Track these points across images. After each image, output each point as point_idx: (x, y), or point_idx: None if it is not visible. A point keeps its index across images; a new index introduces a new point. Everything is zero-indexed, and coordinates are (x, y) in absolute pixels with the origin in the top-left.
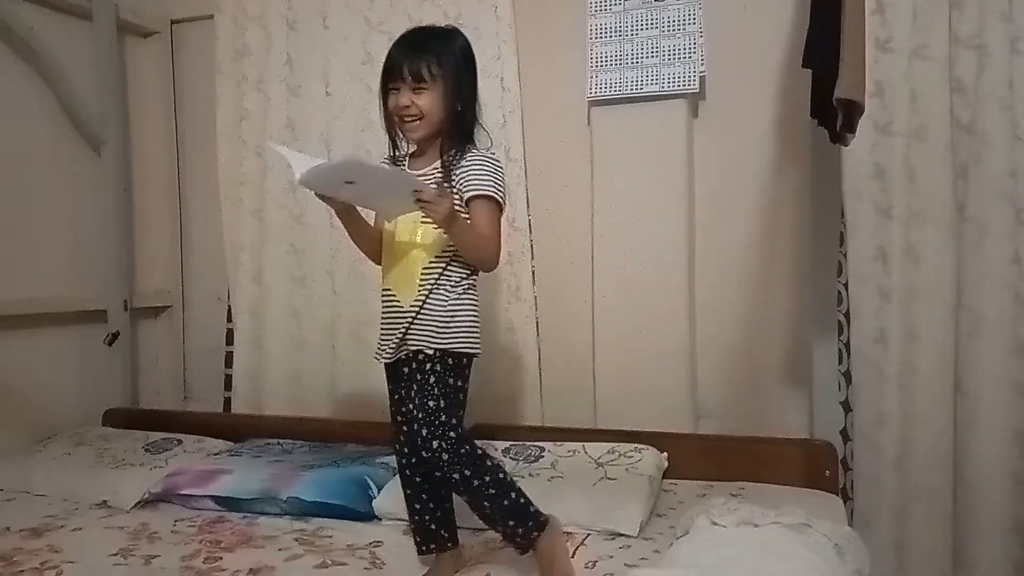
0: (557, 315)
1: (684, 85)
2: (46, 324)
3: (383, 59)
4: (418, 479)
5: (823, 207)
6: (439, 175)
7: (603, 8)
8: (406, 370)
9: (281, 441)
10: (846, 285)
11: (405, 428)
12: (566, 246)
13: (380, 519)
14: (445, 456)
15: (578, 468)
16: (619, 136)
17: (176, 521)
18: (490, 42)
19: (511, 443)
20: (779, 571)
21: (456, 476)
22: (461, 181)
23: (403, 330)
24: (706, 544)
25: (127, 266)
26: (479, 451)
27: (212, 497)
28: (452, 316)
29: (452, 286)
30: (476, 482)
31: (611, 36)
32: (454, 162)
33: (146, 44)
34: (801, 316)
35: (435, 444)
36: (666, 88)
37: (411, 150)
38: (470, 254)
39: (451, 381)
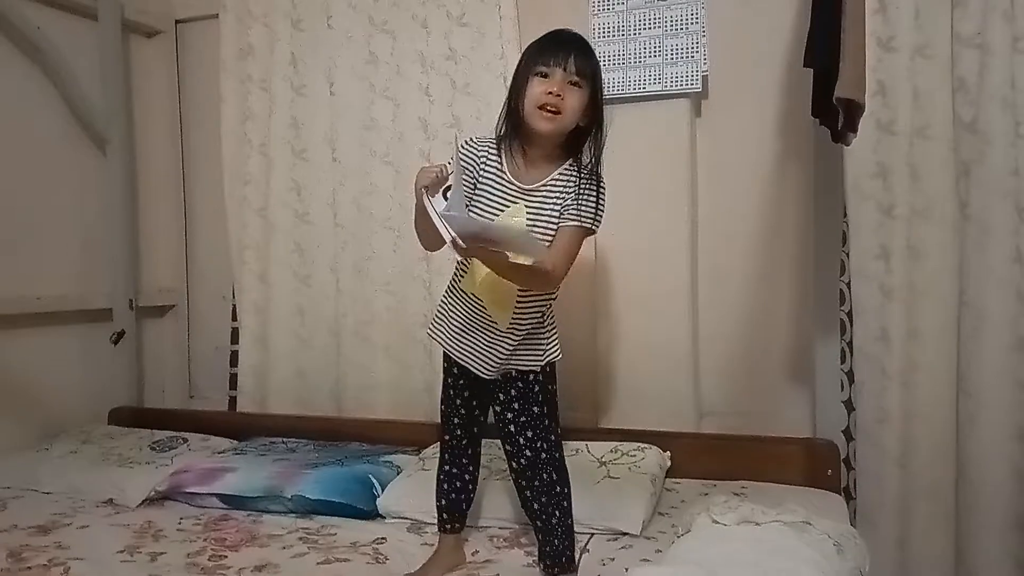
0: (560, 314)
1: (687, 84)
2: (52, 323)
3: (387, 58)
4: (465, 460)
5: (825, 206)
6: (552, 192)
7: (606, 7)
8: (500, 380)
9: (286, 439)
10: (848, 284)
11: (464, 412)
12: None
13: (384, 517)
14: (544, 456)
15: (581, 467)
16: (622, 135)
17: (181, 519)
18: (493, 41)
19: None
20: (779, 568)
21: (547, 476)
22: (570, 202)
23: (506, 351)
24: (707, 542)
25: (132, 265)
26: (566, 460)
27: (217, 495)
28: (551, 333)
29: (544, 305)
30: (558, 488)
31: (614, 35)
32: (570, 178)
33: (151, 43)
34: (803, 315)
35: (539, 444)
36: (669, 87)
37: (506, 146)
38: (520, 283)
39: (550, 387)
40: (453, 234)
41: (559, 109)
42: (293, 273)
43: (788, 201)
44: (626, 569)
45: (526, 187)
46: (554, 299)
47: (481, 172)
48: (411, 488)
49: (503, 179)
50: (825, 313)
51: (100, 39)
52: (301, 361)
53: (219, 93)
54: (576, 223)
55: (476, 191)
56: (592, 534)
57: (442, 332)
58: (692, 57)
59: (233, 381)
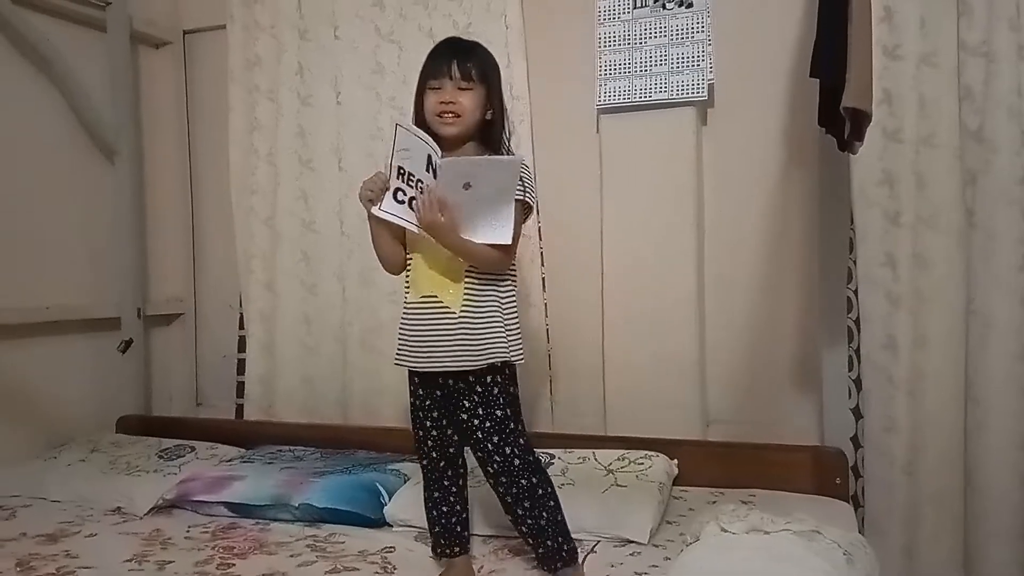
0: (567, 322)
1: (693, 93)
2: (60, 332)
3: (394, 68)
4: (446, 482)
5: (832, 214)
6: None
7: (612, 16)
8: (454, 382)
9: (293, 448)
10: (855, 291)
11: (435, 432)
12: (575, 253)
13: (391, 525)
14: (516, 462)
15: (588, 475)
16: (628, 144)
17: (189, 527)
18: (499, 51)
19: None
20: None
21: (524, 482)
22: None
23: (467, 337)
24: (716, 551)
25: (140, 274)
26: (541, 461)
27: (225, 503)
28: (513, 328)
29: (502, 293)
30: (540, 491)
31: (620, 44)
32: None
33: (159, 54)
34: (811, 323)
35: (507, 450)
36: (675, 96)
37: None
38: (471, 261)
39: (512, 389)
40: (416, 227)
41: (458, 112)
42: (300, 282)
43: (794, 209)
44: (636, 572)
45: None
46: (508, 291)
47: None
48: (418, 496)
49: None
50: (832, 321)
51: (108, 50)
52: (308, 369)
53: (227, 103)
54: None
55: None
56: (599, 541)
57: (403, 353)
58: (698, 66)
59: (240, 389)
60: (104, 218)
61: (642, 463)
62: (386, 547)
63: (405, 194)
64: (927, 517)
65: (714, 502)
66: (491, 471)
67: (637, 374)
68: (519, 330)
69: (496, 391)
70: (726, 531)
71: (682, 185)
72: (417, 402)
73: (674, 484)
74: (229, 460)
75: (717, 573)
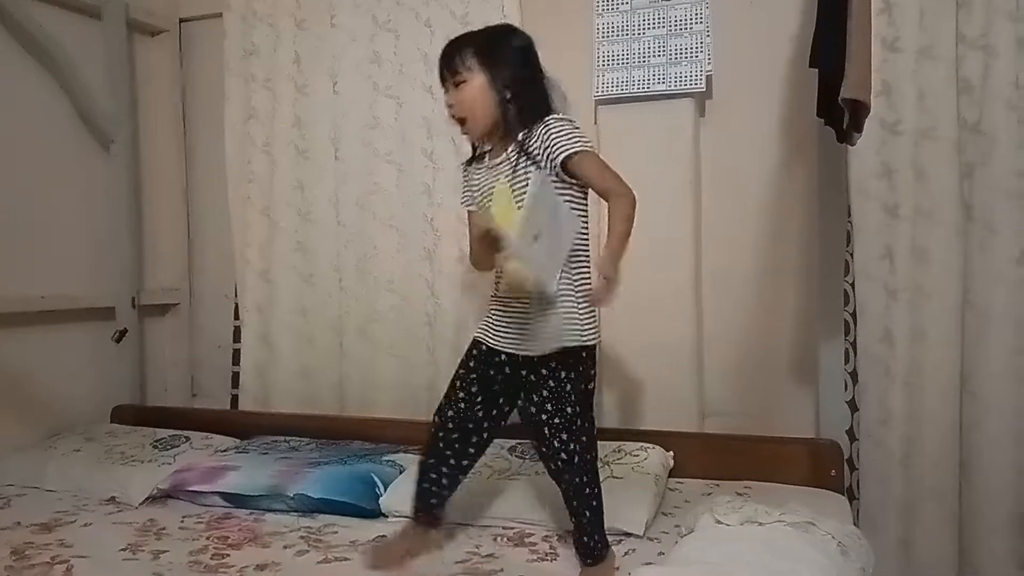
0: None
1: (691, 84)
2: (55, 321)
3: (390, 57)
4: (448, 452)
5: (830, 206)
6: (514, 162)
7: (610, 7)
8: (526, 372)
9: (288, 438)
10: (853, 284)
11: (463, 406)
12: None
13: (387, 516)
14: (577, 459)
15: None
16: (626, 135)
17: (184, 517)
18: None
19: (517, 441)
20: (783, 569)
21: (578, 479)
22: (545, 151)
23: (555, 321)
24: (710, 542)
25: (136, 263)
26: (597, 461)
27: (220, 494)
28: (581, 307)
29: (573, 276)
30: (588, 490)
31: (618, 35)
32: (527, 141)
33: (155, 42)
34: (808, 315)
35: (572, 446)
36: (673, 87)
37: (486, 147)
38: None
39: (584, 387)
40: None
41: (461, 116)
42: (296, 272)
43: (792, 201)
44: (629, 574)
45: (492, 164)
46: (580, 270)
47: (473, 179)
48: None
49: (483, 167)
50: (829, 313)
51: (105, 38)
52: (303, 360)
53: (223, 92)
54: (569, 152)
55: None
56: None
57: (481, 327)
58: (696, 57)
59: (235, 380)
60: (100, 207)
61: (638, 455)
62: (380, 536)
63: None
64: (923, 510)
65: (709, 494)
66: (554, 467)
67: (633, 366)
68: (594, 311)
69: (569, 387)
70: (721, 523)
71: (680, 176)
72: (462, 369)
73: (670, 476)
74: (224, 450)
75: (712, 564)
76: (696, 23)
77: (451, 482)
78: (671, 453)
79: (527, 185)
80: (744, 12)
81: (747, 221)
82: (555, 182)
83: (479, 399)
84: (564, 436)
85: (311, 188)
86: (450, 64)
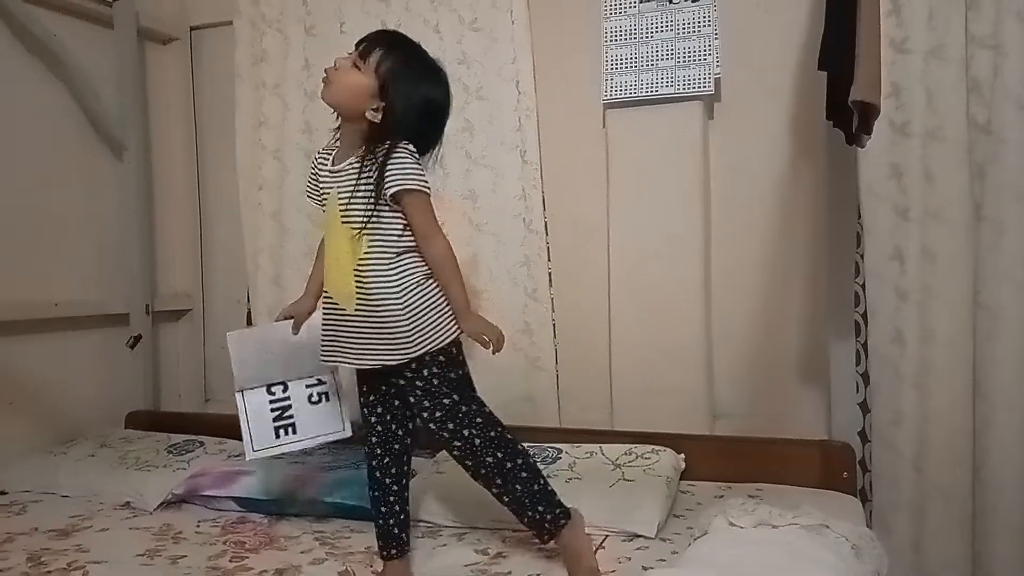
0: (574, 317)
1: (699, 87)
2: (70, 328)
3: None
4: (388, 480)
5: (839, 208)
6: (355, 177)
7: (618, 10)
8: (395, 377)
9: None
10: (863, 285)
11: (379, 428)
12: (582, 248)
13: None
14: (477, 441)
15: (595, 469)
16: (634, 138)
17: (199, 522)
18: (505, 45)
19: (528, 444)
20: (797, 571)
21: (490, 459)
22: (385, 176)
23: (367, 337)
24: (723, 544)
25: (148, 270)
26: (508, 434)
27: (234, 498)
28: (424, 321)
29: (417, 282)
30: (509, 464)
31: (626, 38)
32: (368, 159)
33: (166, 50)
34: (818, 317)
35: (465, 433)
36: (681, 90)
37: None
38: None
39: (454, 374)
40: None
41: (329, 79)
42: (306, 277)
43: (801, 203)
44: (644, 567)
45: (334, 169)
46: (402, 284)
47: (319, 174)
48: (426, 491)
49: (325, 167)
50: (840, 315)
51: (116, 46)
52: None
53: (233, 99)
54: (404, 187)
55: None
56: (607, 535)
57: (327, 348)
58: (704, 60)
59: None
60: (112, 214)
61: (649, 457)
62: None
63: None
64: (935, 511)
65: (721, 496)
66: (455, 456)
67: (644, 368)
68: (439, 308)
69: (436, 382)
70: (734, 525)
71: (689, 179)
72: (362, 398)
73: (681, 478)
74: (238, 455)
75: (725, 567)
76: (704, 26)
77: (403, 505)
78: (682, 455)
79: (362, 204)
80: (752, 14)
81: (756, 223)
82: (382, 204)
83: (388, 416)
84: (451, 426)
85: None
86: (363, 47)
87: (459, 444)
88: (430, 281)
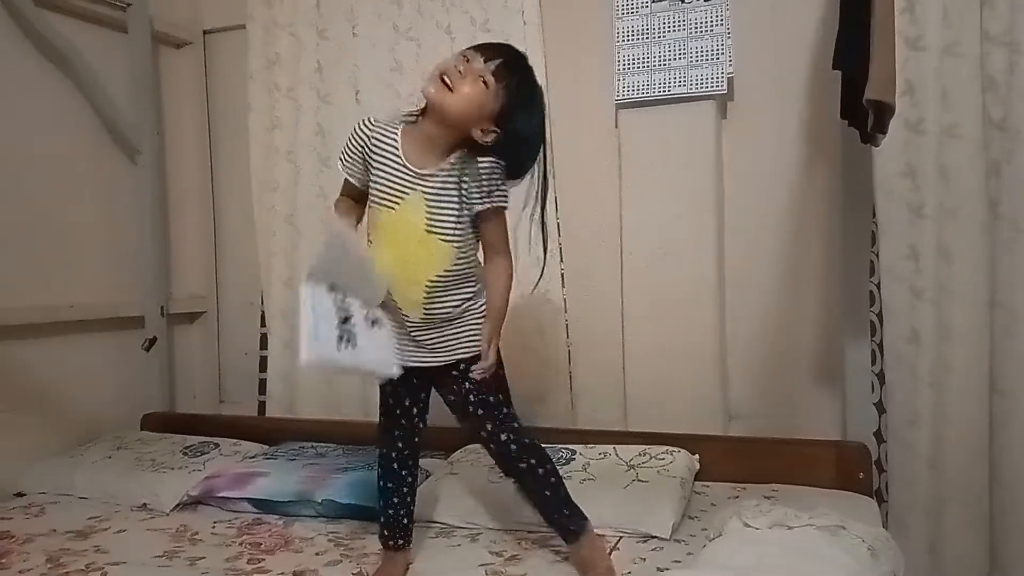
0: (587, 317)
1: (712, 86)
2: (85, 330)
3: (412, 65)
4: (404, 472)
5: (854, 206)
6: (442, 183)
7: (630, 11)
8: (437, 376)
9: (315, 444)
10: (878, 284)
11: (404, 422)
12: (595, 248)
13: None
14: (513, 447)
15: (609, 470)
16: (647, 138)
17: (215, 523)
18: (517, 46)
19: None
20: (813, 572)
21: (523, 464)
22: (477, 188)
23: (420, 339)
24: (739, 545)
25: (163, 272)
26: (537, 440)
27: (249, 499)
28: (476, 318)
29: (471, 286)
30: (540, 470)
31: (638, 38)
32: (466, 164)
33: (180, 54)
34: (833, 316)
35: (503, 437)
36: (694, 90)
37: (406, 123)
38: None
39: (501, 372)
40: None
41: (452, 85)
42: None
43: (816, 202)
44: (658, 569)
45: (420, 172)
46: (474, 285)
47: (372, 156)
48: (439, 492)
49: (398, 162)
50: (855, 314)
51: (130, 51)
52: None
53: (247, 102)
54: (491, 205)
55: (371, 174)
56: (621, 536)
57: None
58: (717, 59)
59: (262, 386)
60: (127, 217)
61: (663, 458)
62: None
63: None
64: (951, 511)
65: (736, 497)
66: (492, 455)
67: (658, 369)
68: (483, 317)
69: (487, 378)
70: (749, 526)
71: (702, 179)
72: (391, 388)
73: (696, 479)
74: (252, 456)
75: (741, 568)
76: (717, 25)
77: (413, 497)
78: (697, 456)
79: (453, 215)
80: (765, 13)
81: (770, 223)
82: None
83: (415, 410)
84: (490, 426)
85: (334, 196)
86: (501, 66)
87: (494, 447)
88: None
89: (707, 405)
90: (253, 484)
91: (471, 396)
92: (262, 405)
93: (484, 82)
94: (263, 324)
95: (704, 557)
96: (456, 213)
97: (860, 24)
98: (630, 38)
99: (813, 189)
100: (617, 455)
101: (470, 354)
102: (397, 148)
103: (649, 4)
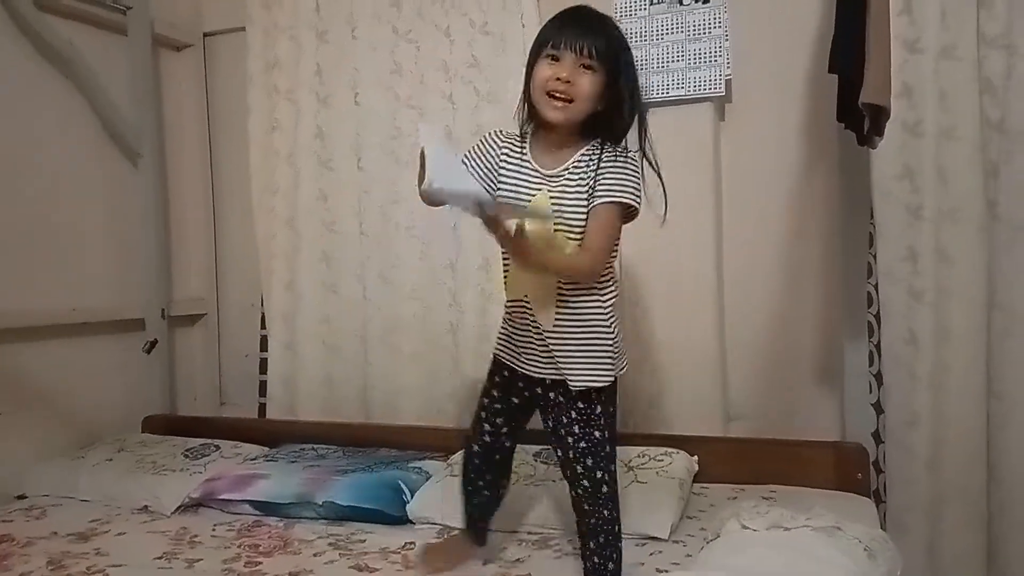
0: None
1: (710, 88)
2: (87, 333)
3: (411, 67)
4: (480, 483)
5: (852, 208)
6: (574, 175)
7: (629, 13)
8: (554, 395)
9: (315, 446)
10: (876, 286)
11: (489, 439)
12: None
13: (413, 523)
14: (604, 489)
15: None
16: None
17: (215, 525)
18: (516, 49)
19: (542, 447)
20: (810, 574)
21: (606, 512)
22: (597, 180)
23: (555, 350)
24: (737, 547)
25: (164, 275)
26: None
27: (250, 501)
28: (611, 347)
29: (604, 301)
30: (617, 527)
31: (637, 40)
32: (595, 162)
33: (180, 57)
34: (831, 317)
35: (599, 475)
36: (692, 91)
37: (530, 133)
38: (559, 276)
39: (613, 409)
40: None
41: (570, 96)
42: (320, 281)
43: (814, 203)
44: (657, 570)
45: (547, 173)
46: (610, 301)
47: (500, 165)
48: (440, 494)
49: (526, 167)
50: (853, 315)
51: (130, 53)
52: (329, 368)
53: (247, 105)
54: (606, 199)
55: (499, 182)
56: None
57: (503, 349)
58: (716, 61)
59: (263, 388)
60: (128, 220)
61: (662, 460)
62: (408, 543)
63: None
64: (950, 512)
65: (735, 498)
66: (577, 494)
67: (657, 370)
68: (621, 339)
69: (599, 411)
70: (747, 528)
71: (701, 181)
72: (487, 400)
73: (695, 481)
74: (253, 459)
75: (738, 570)
76: (715, 27)
77: (492, 502)
78: (696, 457)
79: (570, 208)
80: (762, 16)
81: (769, 224)
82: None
83: (504, 430)
84: (589, 462)
85: (334, 198)
86: (599, 45)
87: (588, 484)
88: (615, 302)
89: (706, 406)
90: (254, 486)
91: (576, 427)
92: (263, 407)
93: (590, 69)
94: (263, 326)
95: (702, 558)
96: (584, 210)
97: (856, 28)
98: (629, 40)
99: (811, 190)
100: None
101: (616, 374)
102: (526, 153)
103: (647, 7)
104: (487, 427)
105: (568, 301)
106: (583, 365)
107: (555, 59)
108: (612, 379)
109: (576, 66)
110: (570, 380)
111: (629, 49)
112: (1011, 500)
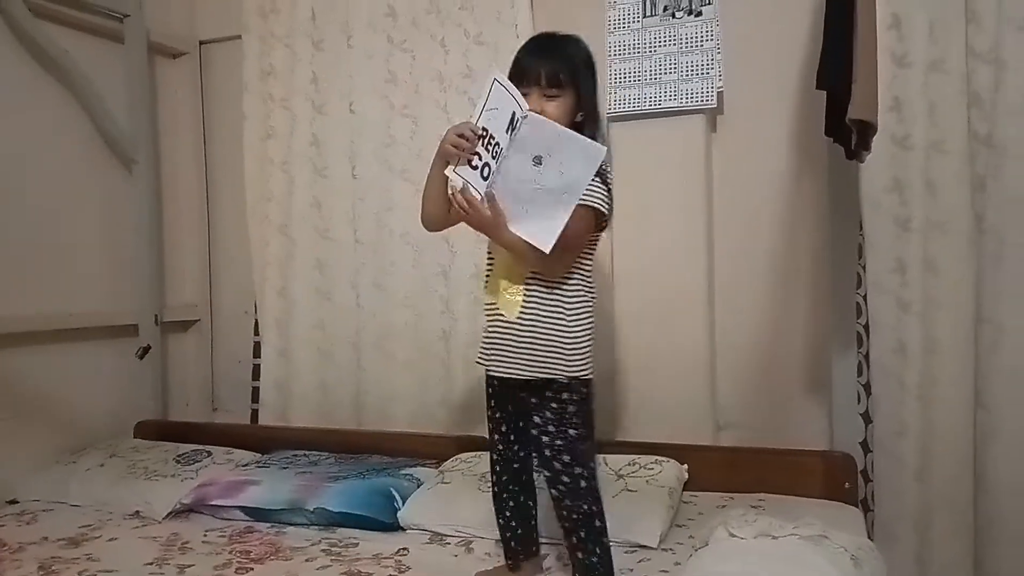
0: None
1: (702, 100)
2: (80, 338)
3: (406, 77)
4: (505, 495)
5: (841, 220)
6: None
7: (622, 25)
8: (527, 395)
9: (308, 452)
10: (865, 297)
11: (501, 448)
12: None
13: (405, 529)
14: (583, 484)
15: (599, 480)
16: (638, 151)
17: (207, 531)
18: (510, 59)
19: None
20: None
21: (586, 507)
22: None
23: (516, 345)
24: (724, 555)
25: (158, 281)
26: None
27: (241, 508)
28: (579, 343)
29: (567, 301)
30: (597, 522)
31: (630, 53)
32: None
33: (176, 64)
34: (820, 328)
35: (577, 471)
36: (684, 103)
37: None
38: (518, 257)
39: (589, 408)
40: (481, 193)
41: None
42: (314, 288)
43: (804, 215)
44: None
45: None
46: (574, 302)
47: None
48: (431, 501)
49: None
50: (842, 326)
51: (126, 61)
52: (322, 375)
53: (242, 112)
54: (586, 204)
55: None
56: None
57: (479, 348)
58: (707, 74)
59: (255, 394)
60: (122, 226)
61: (652, 468)
62: (400, 549)
63: (480, 159)
64: (938, 522)
65: (723, 507)
66: (557, 492)
67: (647, 380)
68: (588, 343)
69: (572, 409)
70: (734, 536)
71: (692, 192)
72: (490, 412)
73: (684, 489)
74: (245, 465)
75: None
76: (707, 40)
77: (521, 521)
78: (685, 466)
79: None
80: (754, 29)
81: (759, 235)
82: None
83: (511, 436)
84: (566, 458)
85: (328, 206)
86: (552, 74)
87: (567, 480)
88: (592, 309)
89: (696, 415)
90: (245, 492)
91: (551, 427)
92: (255, 413)
93: (555, 98)
94: (256, 333)
95: (690, 567)
96: None
97: (843, 44)
98: (622, 52)
99: (801, 202)
100: (606, 465)
101: (579, 371)
102: None
103: (640, 19)
104: (496, 436)
105: (532, 296)
106: (537, 357)
107: (525, 95)
108: (566, 377)
109: (540, 96)
110: (522, 372)
111: (592, 64)
112: (998, 510)
